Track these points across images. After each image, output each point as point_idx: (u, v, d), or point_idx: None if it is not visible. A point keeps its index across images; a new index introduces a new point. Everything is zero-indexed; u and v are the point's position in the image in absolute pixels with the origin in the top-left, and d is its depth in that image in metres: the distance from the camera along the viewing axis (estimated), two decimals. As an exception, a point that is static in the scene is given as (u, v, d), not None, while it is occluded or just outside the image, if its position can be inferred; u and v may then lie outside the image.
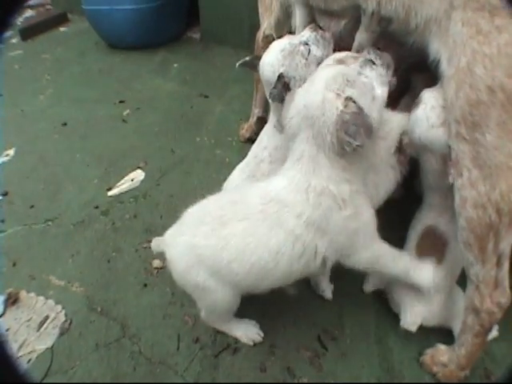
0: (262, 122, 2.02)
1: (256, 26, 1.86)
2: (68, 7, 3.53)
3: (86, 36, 3.22)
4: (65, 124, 2.27)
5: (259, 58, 1.39)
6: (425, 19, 1.08)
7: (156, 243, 1.20)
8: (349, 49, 1.29)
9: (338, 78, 1.00)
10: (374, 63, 1.08)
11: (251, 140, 2.04)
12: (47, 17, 3.46)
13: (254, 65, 1.42)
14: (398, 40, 1.23)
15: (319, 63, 1.30)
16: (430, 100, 1.11)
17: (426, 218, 1.27)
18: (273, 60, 1.34)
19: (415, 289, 1.20)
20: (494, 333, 1.23)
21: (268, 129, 1.52)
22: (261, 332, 1.27)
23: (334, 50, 1.35)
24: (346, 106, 0.96)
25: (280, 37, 1.62)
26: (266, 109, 2.00)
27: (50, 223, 1.69)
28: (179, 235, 1.14)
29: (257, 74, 1.88)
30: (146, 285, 1.44)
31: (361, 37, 1.31)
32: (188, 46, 3.07)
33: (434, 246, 1.22)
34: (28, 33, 3.24)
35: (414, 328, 1.20)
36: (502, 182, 0.96)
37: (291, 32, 1.63)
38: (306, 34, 1.36)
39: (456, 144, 1.01)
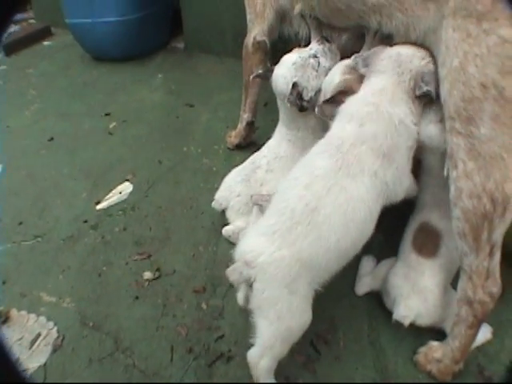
0: (251, 127, 2.03)
1: (239, 33, 1.87)
2: (51, 21, 3.51)
3: (70, 49, 3.21)
4: (51, 139, 2.26)
5: (272, 70, 1.50)
6: (423, 31, 1.19)
7: (236, 270, 1.03)
8: None
9: (427, 52, 1.21)
10: None
11: (240, 146, 2.06)
12: (31, 31, 3.44)
13: (267, 77, 1.54)
14: None
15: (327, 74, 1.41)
16: None
17: (420, 215, 1.31)
18: (285, 73, 1.45)
19: (412, 281, 1.22)
20: (488, 335, 1.25)
21: (271, 140, 1.62)
22: None
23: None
24: (426, 65, 1.19)
25: (273, 42, 1.75)
26: (255, 114, 2.01)
27: (39, 239, 1.68)
28: (274, 249, 1.02)
29: (246, 79, 1.91)
30: (137, 297, 1.44)
31: None
32: (172, 56, 3.07)
33: (427, 239, 1.27)
34: (12, 48, 3.22)
35: (406, 321, 1.20)
36: (496, 171, 1.01)
37: (281, 36, 1.74)
38: (314, 47, 1.48)
39: (450, 138, 1.07)
